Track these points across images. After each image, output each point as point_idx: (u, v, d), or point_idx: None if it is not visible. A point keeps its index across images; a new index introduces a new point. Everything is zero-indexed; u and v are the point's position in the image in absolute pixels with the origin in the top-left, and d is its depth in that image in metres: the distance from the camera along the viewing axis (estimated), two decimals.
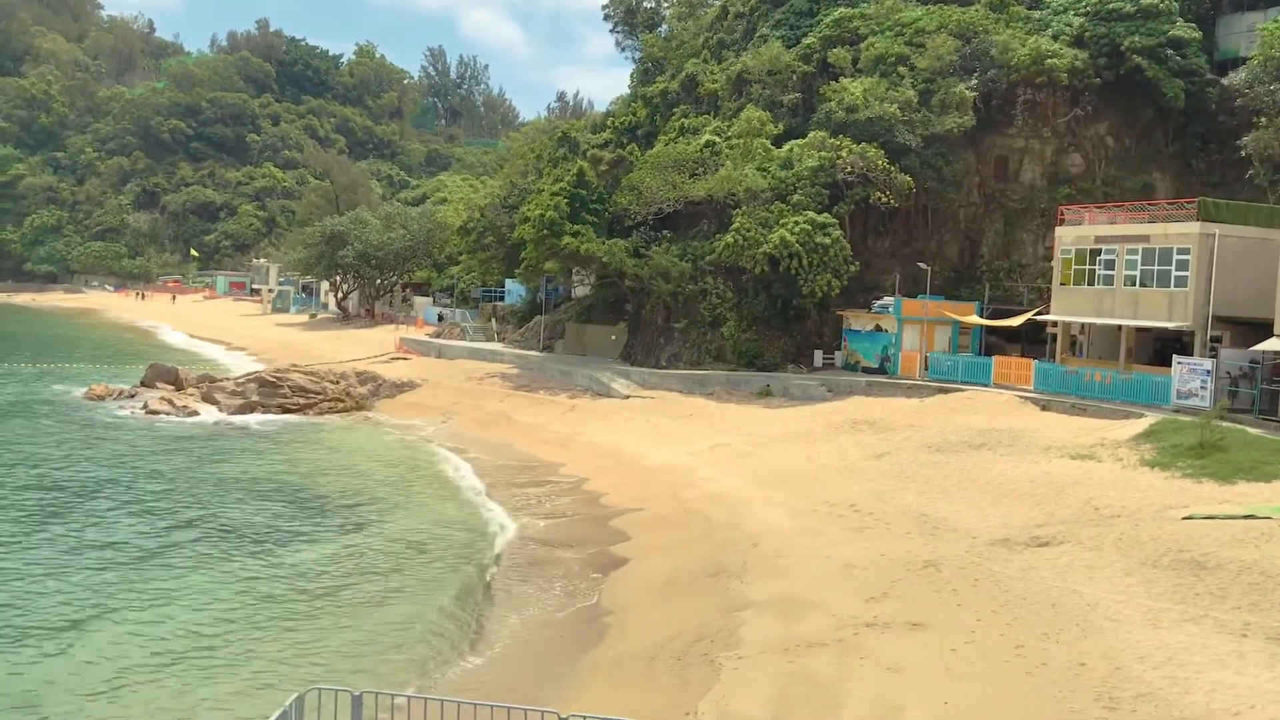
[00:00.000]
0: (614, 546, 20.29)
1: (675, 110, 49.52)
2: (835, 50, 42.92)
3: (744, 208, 38.50)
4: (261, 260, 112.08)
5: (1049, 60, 37.79)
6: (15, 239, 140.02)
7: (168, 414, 35.67)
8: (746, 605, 15.68)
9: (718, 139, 42.54)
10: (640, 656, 14.45)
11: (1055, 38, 39.29)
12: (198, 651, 14.29)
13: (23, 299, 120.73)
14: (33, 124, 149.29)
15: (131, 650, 14.28)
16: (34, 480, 24.83)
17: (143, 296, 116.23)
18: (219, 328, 77.83)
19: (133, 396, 38.53)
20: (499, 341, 52.90)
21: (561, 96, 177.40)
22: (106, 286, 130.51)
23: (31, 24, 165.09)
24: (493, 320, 56.97)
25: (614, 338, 45.05)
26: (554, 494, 25.36)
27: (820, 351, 38.86)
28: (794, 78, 43.77)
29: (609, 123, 56.21)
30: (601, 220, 41.95)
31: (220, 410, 36.77)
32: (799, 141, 40.46)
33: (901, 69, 40.74)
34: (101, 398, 38.49)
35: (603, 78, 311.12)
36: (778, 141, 41.53)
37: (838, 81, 41.36)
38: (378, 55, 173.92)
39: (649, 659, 14.29)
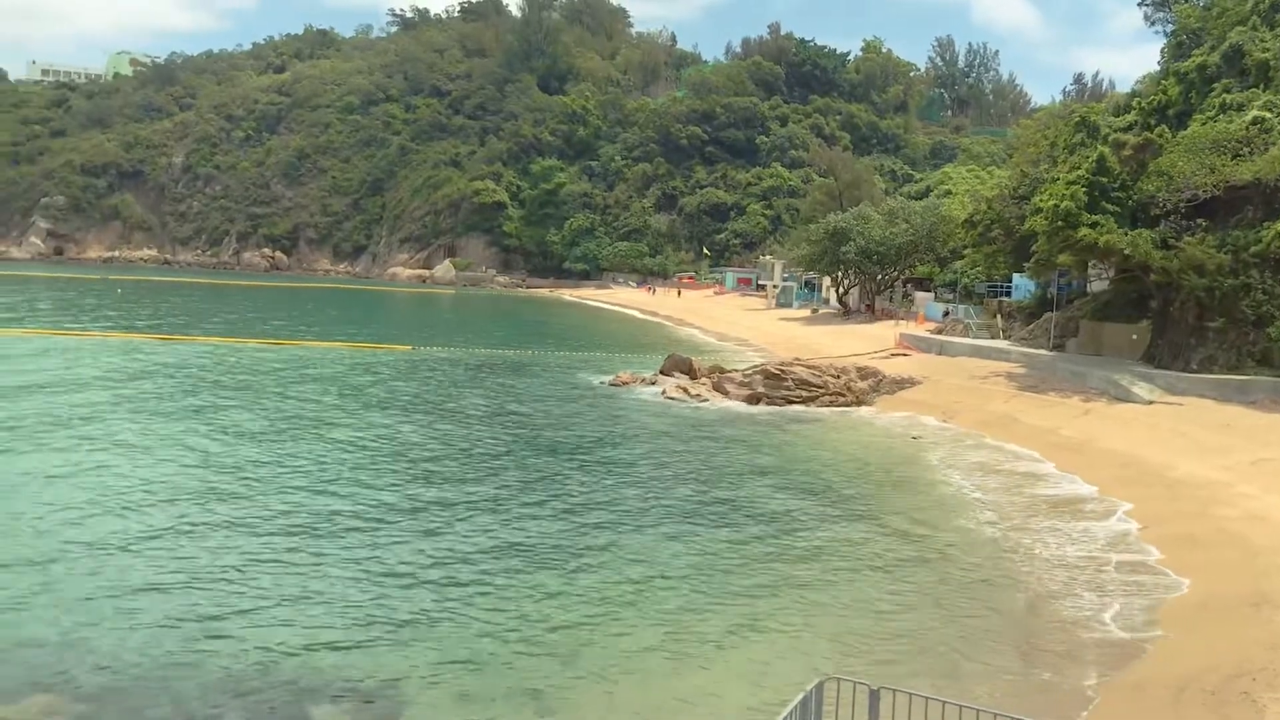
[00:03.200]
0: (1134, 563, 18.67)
1: (1214, 86, 44.58)
2: None
3: None
4: (767, 257, 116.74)
5: None
6: (557, 240, 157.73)
7: (682, 401, 38.21)
8: None
9: (1268, 114, 37.71)
10: (1165, 685, 13.11)
11: None
12: (711, 628, 14.95)
13: (563, 293, 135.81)
14: (572, 136, 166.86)
15: (647, 618, 15.23)
16: (563, 455, 27.54)
17: (652, 291, 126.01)
18: (726, 321, 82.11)
19: (653, 384, 41.71)
20: (1004, 339, 50.87)
21: (1079, 78, 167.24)
22: (630, 283, 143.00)
23: (573, 46, 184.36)
24: (998, 317, 54.88)
25: (1135, 337, 41.54)
26: (1061, 503, 23.85)
27: None
28: None
29: (1134, 104, 51.98)
30: (1124, 210, 38.77)
31: (729, 399, 38.70)
32: None
33: None
34: (626, 384, 42.06)
35: (1127, 56, 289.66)
36: None
37: None
38: (884, 50, 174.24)
39: (1176, 689, 12.92)
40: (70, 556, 16.46)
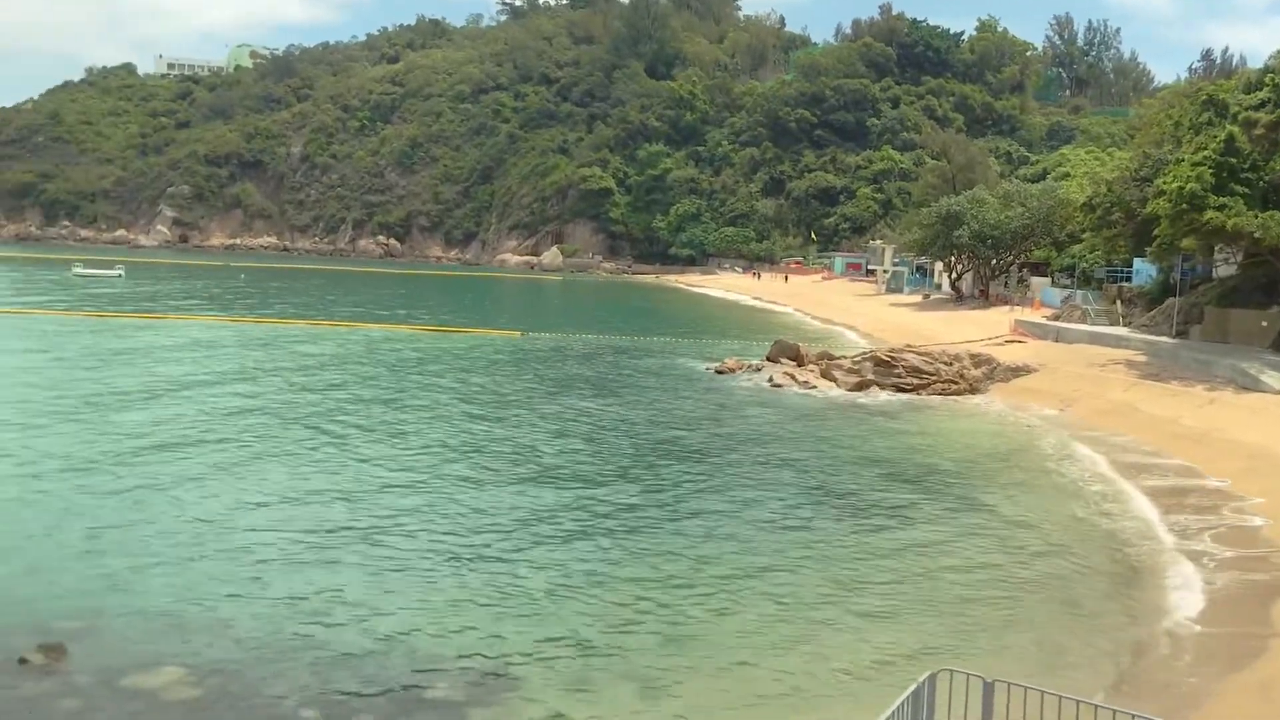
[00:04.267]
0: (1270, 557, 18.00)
1: None
2: None
3: None
4: (877, 242, 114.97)
5: None
6: (663, 226, 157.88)
7: (789, 388, 37.99)
8: None
9: None
10: None
11: None
12: (827, 619, 14.93)
13: (668, 279, 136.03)
14: (679, 122, 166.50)
15: (762, 609, 15.25)
16: (672, 444, 27.64)
17: (758, 276, 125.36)
18: (834, 306, 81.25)
19: (759, 370, 41.53)
20: (1124, 325, 49.34)
21: (1207, 55, 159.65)
22: (736, 268, 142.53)
23: (681, 31, 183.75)
24: (1117, 303, 53.24)
25: (1265, 324, 39.88)
26: (1182, 495, 23.09)
27: None
28: None
29: (1267, 80, 49.63)
30: (1254, 191, 37.20)
31: (837, 386, 38.33)
32: None
33: None
34: (732, 370, 41.95)
35: (1260, 30, 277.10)
36: None
37: None
38: (999, 29, 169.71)
39: None
40: (215, 546, 17.10)
